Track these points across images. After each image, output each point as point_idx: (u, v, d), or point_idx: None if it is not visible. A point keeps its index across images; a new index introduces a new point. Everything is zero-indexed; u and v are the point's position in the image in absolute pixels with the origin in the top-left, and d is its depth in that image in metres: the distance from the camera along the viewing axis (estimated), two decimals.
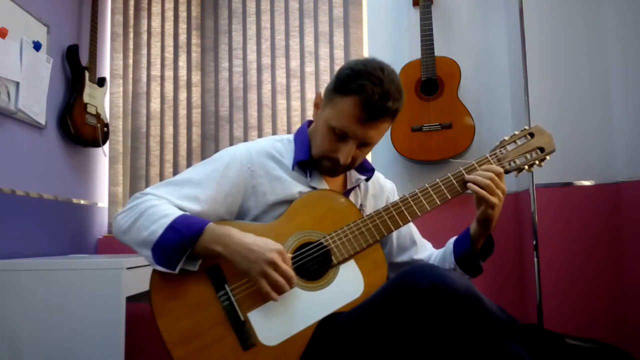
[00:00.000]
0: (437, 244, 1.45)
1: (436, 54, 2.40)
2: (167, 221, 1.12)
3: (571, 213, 2.18)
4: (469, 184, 1.20)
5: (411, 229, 1.42)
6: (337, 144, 1.20)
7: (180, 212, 1.15)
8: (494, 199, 1.18)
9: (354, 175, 1.35)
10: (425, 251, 1.43)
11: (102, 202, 2.82)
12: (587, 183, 2.20)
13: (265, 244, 1.10)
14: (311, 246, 1.19)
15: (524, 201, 2.31)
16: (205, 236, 1.11)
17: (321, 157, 1.24)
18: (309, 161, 1.28)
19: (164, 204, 1.17)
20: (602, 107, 2.21)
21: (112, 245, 2.73)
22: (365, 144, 1.22)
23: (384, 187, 1.44)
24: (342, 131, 1.18)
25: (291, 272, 1.09)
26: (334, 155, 1.21)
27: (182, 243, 1.11)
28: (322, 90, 1.29)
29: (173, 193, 1.20)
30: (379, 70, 1.16)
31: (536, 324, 2.07)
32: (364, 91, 1.14)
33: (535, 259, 2.12)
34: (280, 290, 1.09)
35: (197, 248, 1.12)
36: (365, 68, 1.17)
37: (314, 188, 1.27)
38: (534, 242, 2.13)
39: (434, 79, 2.40)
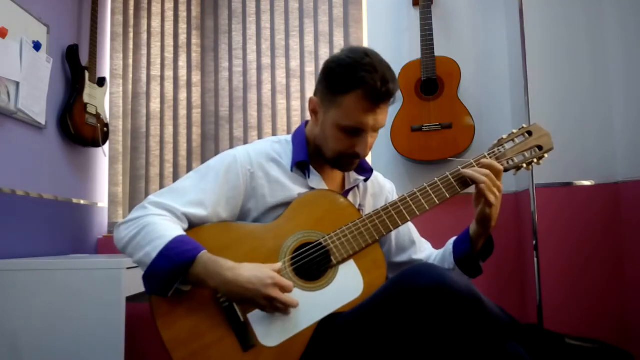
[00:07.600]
0: (437, 244, 1.45)
1: (436, 54, 2.40)
2: (161, 244, 1.10)
3: (571, 213, 2.18)
4: (465, 173, 1.19)
5: (410, 228, 1.42)
6: (352, 140, 1.21)
7: (175, 234, 1.12)
8: (490, 196, 1.17)
9: (352, 175, 1.35)
10: (425, 251, 1.43)
11: (102, 202, 2.82)
12: (587, 183, 2.19)
13: (259, 281, 1.08)
14: (310, 246, 1.19)
15: (524, 201, 2.31)
16: (198, 269, 1.09)
17: (338, 156, 1.25)
18: (308, 162, 1.28)
19: (163, 220, 1.15)
20: (602, 107, 2.20)
21: (112, 245, 2.69)
22: (376, 131, 1.24)
23: (383, 186, 1.44)
24: (355, 127, 1.19)
25: (291, 303, 1.10)
26: (351, 152, 1.23)
27: (172, 272, 1.09)
28: (311, 95, 1.29)
29: (177, 200, 1.19)
30: (366, 57, 1.17)
31: (536, 324, 2.07)
32: (364, 83, 1.15)
33: (535, 259, 2.12)
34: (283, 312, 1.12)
35: (189, 277, 1.10)
36: (353, 60, 1.17)
37: (312, 189, 1.27)
38: (534, 242, 2.13)
39: (434, 79, 2.39)
